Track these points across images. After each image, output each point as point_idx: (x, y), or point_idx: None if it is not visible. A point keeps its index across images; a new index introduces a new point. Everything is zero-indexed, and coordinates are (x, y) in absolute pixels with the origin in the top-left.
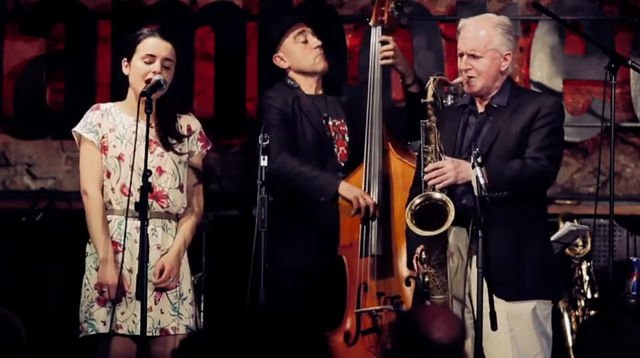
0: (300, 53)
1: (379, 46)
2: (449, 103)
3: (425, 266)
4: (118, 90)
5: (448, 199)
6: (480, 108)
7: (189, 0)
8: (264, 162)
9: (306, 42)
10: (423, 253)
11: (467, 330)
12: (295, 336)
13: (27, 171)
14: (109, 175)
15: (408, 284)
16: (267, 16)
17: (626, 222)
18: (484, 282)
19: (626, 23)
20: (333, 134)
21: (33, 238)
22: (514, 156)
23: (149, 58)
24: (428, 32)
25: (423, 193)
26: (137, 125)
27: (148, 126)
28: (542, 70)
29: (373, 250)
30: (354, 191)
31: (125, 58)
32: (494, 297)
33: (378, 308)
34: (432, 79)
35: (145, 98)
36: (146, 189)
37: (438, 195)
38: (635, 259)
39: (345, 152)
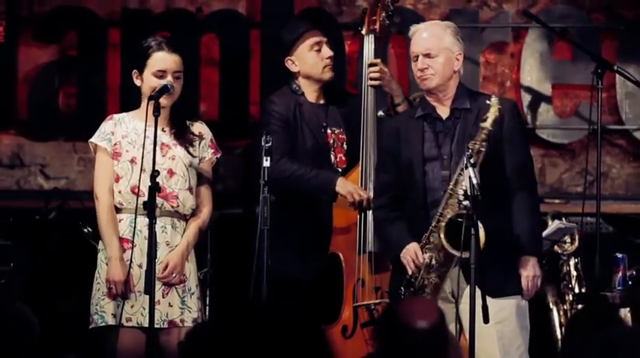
0: (312, 60)
1: (371, 55)
2: None
3: (430, 274)
4: (128, 95)
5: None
6: (444, 114)
7: (195, 8)
8: (266, 162)
9: (319, 51)
10: (433, 260)
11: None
12: (294, 330)
13: (40, 171)
14: (118, 179)
15: None
16: (281, 20)
17: (612, 219)
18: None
19: (612, 30)
20: (331, 142)
21: (46, 235)
22: (486, 160)
23: (161, 73)
24: None
25: (457, 213)
26: (146, 127)
27: (156, 127)
28: (532, 75)
29: (370, 247)
30: (347, 186)
31: (136, 70)
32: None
33: (376, 301)
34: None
35: (153, 102)
36: (154, 188)
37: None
38: (620, 255)
39: (344, 159)
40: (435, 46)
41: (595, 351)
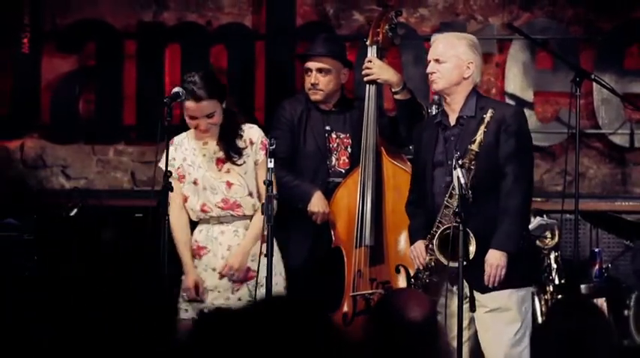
0: (305, 81)
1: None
2: (433, 113)
3: (431, 276)
4: (142, 102)
5: (470, 233)
6: (452, 121)
7: (205, 22)
8: (271, 163)
9: (309, 75)
10: (432, 263)
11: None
12: (304, 319)
13: (62, 172)
14: (186, 200)
15: (397, 271)
16: (284, 33)
17: (589, 216)
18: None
19: (590, 42)
20: (335, 145)
21: (67, 231)
22: (483, 164)
23: (192, 118)
24: (415, 50)
25: (448, 225)
26: (163, 143)
27: (167, 131)
28: (516, 83)
29: (367, 241)
30: (313, 206)
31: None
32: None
33: (371, 291)
34: None
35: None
36: (166, 188)
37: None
38: (597, 249)
39: (347, 161)
40: (445, 53)
41: (567, 338)
